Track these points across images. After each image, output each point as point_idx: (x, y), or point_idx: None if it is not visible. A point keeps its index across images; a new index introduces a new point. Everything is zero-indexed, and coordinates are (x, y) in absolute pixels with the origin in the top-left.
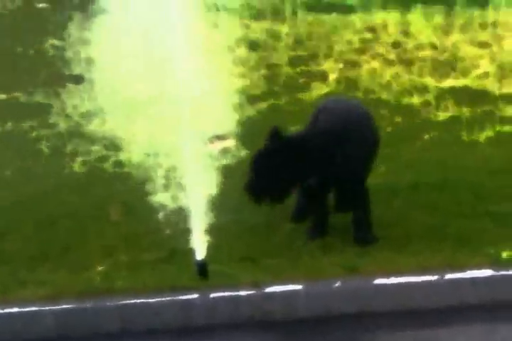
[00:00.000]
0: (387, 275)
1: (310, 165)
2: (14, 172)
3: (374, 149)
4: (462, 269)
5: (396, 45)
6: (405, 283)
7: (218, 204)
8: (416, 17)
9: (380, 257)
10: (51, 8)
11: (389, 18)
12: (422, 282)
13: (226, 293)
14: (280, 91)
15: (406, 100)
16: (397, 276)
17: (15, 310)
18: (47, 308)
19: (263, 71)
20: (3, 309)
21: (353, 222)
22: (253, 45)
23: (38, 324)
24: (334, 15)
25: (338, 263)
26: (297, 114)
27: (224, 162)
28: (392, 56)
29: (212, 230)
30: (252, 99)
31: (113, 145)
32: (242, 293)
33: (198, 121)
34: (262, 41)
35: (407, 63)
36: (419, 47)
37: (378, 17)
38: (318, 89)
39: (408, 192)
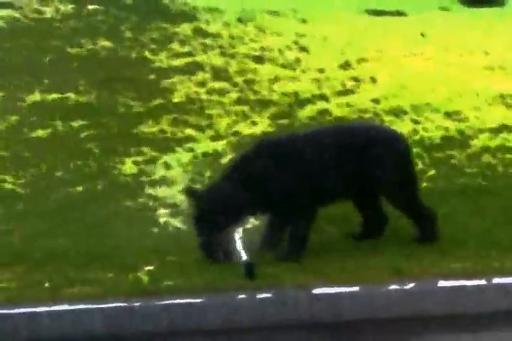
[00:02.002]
0: (434, 279)
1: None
2: (65, 173)
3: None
4: (510, 275)
5: (446, 48)
6: (452, 287)
7: None
8: (468, 21)
9: (426, 261)
10: (103, 10)
11: (440, 22)
12: (470, 286)
13: (273, 294)
14: (329, 95)
15: (456, 104)
16: (444, 280)
17: (63, 307)
18: (95, 307)
19: (313, 74)
20: (51, 307)
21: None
22: (303, 49)
23: (86, 322)
24: (385, 18)
25: (383, 265)
26: (346, 118)
27: None
28: (442, 60)
29: (259, 233)
30: (301, 102)
31: (162, 147)
32: (289, 294)
33: None
34: (312, 44)
35: (458, 67)
36: (470, 51)
37: (429, 20)
38: (368, 93)
39: (457, 196)
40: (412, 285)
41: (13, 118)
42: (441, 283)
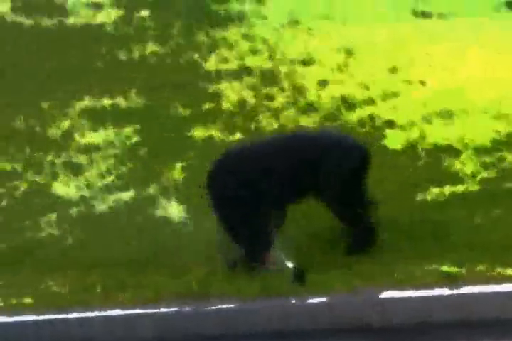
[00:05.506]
0: (486, 283)
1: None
2: (116, 178)
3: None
4: None
5: (496, 51)
6: (505, 292)
7: (312, 212)
8: None
9: (476, 265)
10: (152, 16)
11: (489, 25)
12: None
13: (322, 299)
14: (377, 99)
15: (505, 107)
16: (496, 284)
17: (115, 312)
18: (147, 311)
19: (361, 78)
20: (103, 311)
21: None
22: (351, 52)
23: (137, 327)
24: (433, 20)
25: (434, 270)
26: (393, 122)
27: None
28: (491, 63)
29: (307, 237)
30: (349, 106)
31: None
32: (338, 299)
33: None
34: (359, 47)
35: (507, 70)
36: None
37: (478, 23)
38: (416, 96)
39: (508, 200)
40: (463, 289)
41: (65, 124)
42: (494, 288)
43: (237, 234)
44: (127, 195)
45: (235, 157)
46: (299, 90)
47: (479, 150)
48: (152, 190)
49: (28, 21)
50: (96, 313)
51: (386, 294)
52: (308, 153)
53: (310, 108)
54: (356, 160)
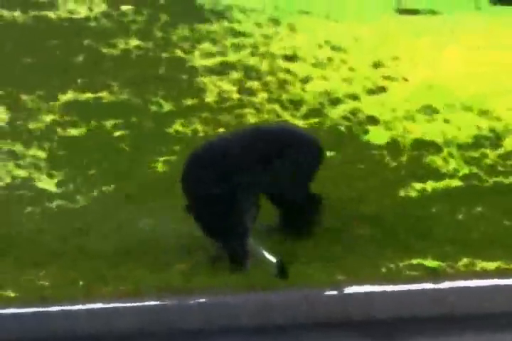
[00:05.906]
0: (468, 278)
1: None
2: (98, 172)
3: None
4: None
5: (479, 47)
6: (487, 286)
7: None
8: (500, 19)
9: (459, 260)
10: (136, 10)
11: (472, 21)
12: (503, 285)
13: (304, 293)
14: (361, 94)
15: (488, 103)
16: (478, 279)
17: (98, 306)
18: (129, 305)
19: (344, 73)
20: (86, 305)
21: None
22: (334, 47)
23: (119, 320)
24: (417, 17)
25: (416, 265)
26: (377, 117)
27: None
28: (475, 59)
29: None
30: (333, 101)
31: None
32: (321, 292)
33: None
34: (343, 43)
35: (491, 66)
36: (503, 49)
37: (461, 19)
38: (399, 92)
39: (490, 196)
40: (445, 284)
41: (47, 117)
42: (475, 282)
43: (215, 231)
44: (109, 189)
45: (211, 151)
46: (282, 85)
47: (462, 146)
48: (134, 184)
49: (9, 14)
50: (78, 307)
51: (368, 288)
52: (294, 148)
53: (293, 103)
54: (317, 153)
